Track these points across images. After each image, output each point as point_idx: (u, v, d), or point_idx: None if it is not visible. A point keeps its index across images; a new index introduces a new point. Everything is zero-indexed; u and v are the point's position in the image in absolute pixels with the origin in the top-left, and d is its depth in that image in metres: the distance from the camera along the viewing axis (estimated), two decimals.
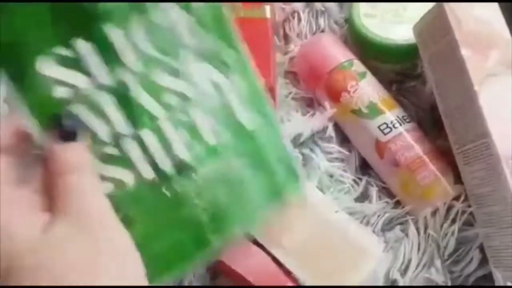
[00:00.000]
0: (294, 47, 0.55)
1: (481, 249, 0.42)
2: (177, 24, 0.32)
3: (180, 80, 0.32)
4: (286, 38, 0.56)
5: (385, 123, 0.47)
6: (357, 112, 0.48)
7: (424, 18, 0.44)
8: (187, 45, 0.33)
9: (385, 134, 0.47)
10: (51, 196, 0.28)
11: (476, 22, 0.40)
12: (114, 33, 0.31)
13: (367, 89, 0.49)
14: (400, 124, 0.47)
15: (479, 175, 0.39)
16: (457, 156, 0.42)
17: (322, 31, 0.56)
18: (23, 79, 0.29)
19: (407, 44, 0.49)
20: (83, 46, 0.30)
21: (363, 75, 0.50)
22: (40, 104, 0.30)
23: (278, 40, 0.55)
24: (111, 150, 0.31)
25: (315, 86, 0.51)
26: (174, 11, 0.32)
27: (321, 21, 0.55)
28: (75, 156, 0.29)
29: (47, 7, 0.29)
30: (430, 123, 0.50)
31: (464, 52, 0.39)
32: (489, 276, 0.41)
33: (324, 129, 0.50)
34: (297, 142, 0.48)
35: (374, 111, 0.48)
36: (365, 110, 0.48)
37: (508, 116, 0.39)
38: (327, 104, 0.50)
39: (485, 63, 0.39)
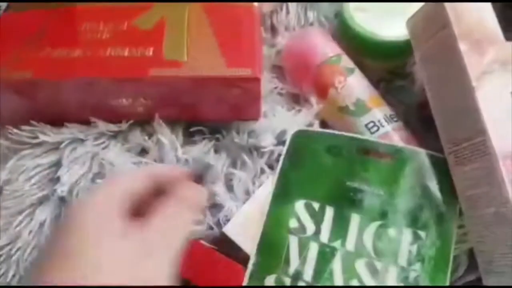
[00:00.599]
0: (281, 40, 0.53)
1: (469, 254, 0.41)
2: (403, 244, 0.39)
3: (373, 279, 0.38)
4: (273, 30, 0.54)
5: (372, 121, 0.45)
6: (344, 109, 0.47)
7: (419, 12, 0.42)
8: (399, 266, 0.38)
9: (372, 133, 0.45)
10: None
11: (474, 18, 0.39)
12: (355, 220, 0.40)
13: (355, 85, 0.47)
14: (388, 123, 0.45)
15: (472, 175, 0.38)
16: (449, 156, 0.40)
17: (311, 24, 0.54)
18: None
19: (398, 41, 0.47)
20: (329, 212, 0.41)
21: (351, 71, 0.48)
22: (276, 217, 0.42)
23: (265, 32, 0.53)
24: (285, 279, 0.39)
25: (302, 81, 0.49)
26: (407, 235, 0.39)
27: (310, 14, 0.53)
28: (191, 193, 0.33)
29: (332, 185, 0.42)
30: (418, 122, 0.49)
31: (462, 46, 0.37)
32: (476, 283, 0.40)
33: (310, 126, 0.48)
34: (281, 138, 0.46)
35: (362, 108, 0.46)
36: (352, 108, 0.46)
37: (504, 115, 0.37)
38: (313, 100, 0.49)
39: (481, 60, 0.38)
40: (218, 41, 0.43)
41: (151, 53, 0.43)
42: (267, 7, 0.53)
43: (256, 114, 0.47)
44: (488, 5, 0.41)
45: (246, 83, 0.42)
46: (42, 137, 0.45)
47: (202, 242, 0.41)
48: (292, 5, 0.53)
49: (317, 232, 0.40)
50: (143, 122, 0.47)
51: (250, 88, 0.43)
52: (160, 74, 0.42)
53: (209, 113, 0.46)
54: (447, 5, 0.38)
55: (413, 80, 0.51)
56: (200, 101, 0.45)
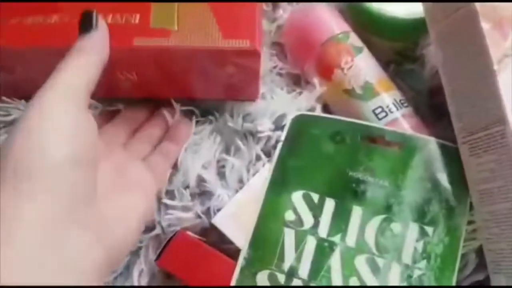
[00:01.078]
0: (283, 14, 0.49)
1: (477, 252, 0.38)
2: (408, 240, 0.36)
3: (374, 277, 0.36)
4: (274, 3, 0.49)
5: (380, 106, 0.42)
6: (350, 93, 0.43)
7: None
8: (403, 263, 0.36)
9: (379, 119, 0.42)
10: None
11: None
12: (356, 213, 0.37)
13: (363, 66, 0.43)
14: (397, 109, 0.42)
15: (488, 167, 0.35)
16: (462, 146, 0.37)
17: None
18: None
19: (410, 19, 0.43)
20: (329, 204, 0.38)
21: (359, 51, 0.44)
22: (271, 208, 0.39)
23: (265, 4, 0.49)
24: (279, 275, 0.36)
25: (305, 60, 0.45)
26: (413, 230, 0.37)
27: None
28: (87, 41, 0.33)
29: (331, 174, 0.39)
30: (427, 109, 0.45)
31: (484, 25, 0.33)
32: (485, 283, 0.38)
33: (312, 111, 0.44)
34: (279, 123, 0.43)
35: (369, 92, 0.42)
36: (359, 91, 0.43)
37: None
38: (316, 81, 0.45)
39: (504, 41, 0.34)
40: (213, 9, 0.39)
41: (137, 20, 0.38)
42: None
43: (254, 94, 0.43)
44: None
45: (244, 56, 0.38)
46: (16, 113, 0.41)
47: (189, 232, 0.38)
48: None
49: (315, 225, 0.37)
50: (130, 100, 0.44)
51: (248, 63, 0.39)
52: (145, 44, 0.37)
53: (201, 91, 0.42)
54: None
55: (423, 64, 0.47)
56: (192, 77, 0.41)
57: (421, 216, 0.37)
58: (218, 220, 0.38)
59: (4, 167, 0.26)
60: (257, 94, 0.43)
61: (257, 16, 0.39)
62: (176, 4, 0.39)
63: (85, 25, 0.34)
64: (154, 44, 0.37)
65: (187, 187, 0.41)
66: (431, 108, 0.46)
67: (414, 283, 0.35)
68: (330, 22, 0.45)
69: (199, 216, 0.39)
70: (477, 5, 0.34)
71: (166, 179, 0.40)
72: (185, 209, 0.40)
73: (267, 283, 0.36)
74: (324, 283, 0.36)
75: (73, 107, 0.29)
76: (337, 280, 0.36)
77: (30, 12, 0.39)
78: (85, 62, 0.32)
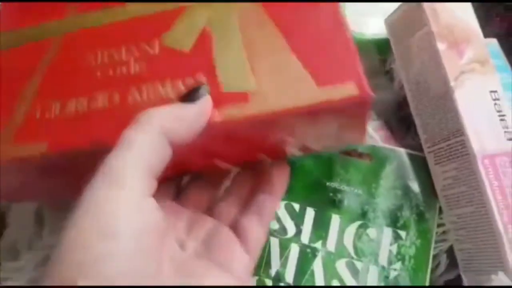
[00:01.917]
0: None
1: (448, 252, 0.41)
2: (383, 243, 0.39)
3: (353, 279, 0.38)
4: None
5: None
6: None
7: (397, 11, 0.42)
8: (380, 265, 0.39)
9: None
10: None
11: (452, 17, 0.39)
12: (335, 220, 0.40)
13: None
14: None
15: (451, 174, 0.38)
16: (428, 156, 0.40)
17: None
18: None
19: (377, 39, 0.47)
20: (310, 213, 0.40)
21: None
22: None
23: None
24: (267, 280, 0.38)
25: None
26: (388, 235, 0.40)
27: None
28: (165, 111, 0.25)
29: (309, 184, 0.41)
30: (396, 121, 0.49)
31: (440, 46, 0.37)
32: (456, 281, 0.40)
33: None
34: None
35: None
36: None
37: (483, 115, 0.37)
38: None
39: (460, 59, 0.38)
40: (293, 48, 0.28)
41: None
42: None
43: (360, 138, 0.32)
44: (468, 4, 0.41)
45: (351, 105, 0.27)
46: None
47: None
48: None
49: (298, 233, 0.40)
50: None
51: (355, 111, 0.28)
52: (221, 118, 0.26)
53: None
54: (426, 3, 0.38)
55: (392, 78, 0.50)
56: (284, 147, 0.31)
57: (394, 221, 0.40)
58: None
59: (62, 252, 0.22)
60: (363, 138, 0.33)
61: (353, 48, 0.29)
62: (243, 53, 0.28)
63: (183, 95, 0.26)
64: (232, 114, 0.27)
65: None
66: (400, 119, 0.48)
67: (391, 283, 0.38)
68: None
69: None
70: (434, 26, 0.37)
71: (261, 247, 0.33)
72: None
73: None
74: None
75: (135, 198, 0.23)
76: (320, 283, 0.38)
77: (70, 93, 0.30)
78: (148, 136, 0.24)
